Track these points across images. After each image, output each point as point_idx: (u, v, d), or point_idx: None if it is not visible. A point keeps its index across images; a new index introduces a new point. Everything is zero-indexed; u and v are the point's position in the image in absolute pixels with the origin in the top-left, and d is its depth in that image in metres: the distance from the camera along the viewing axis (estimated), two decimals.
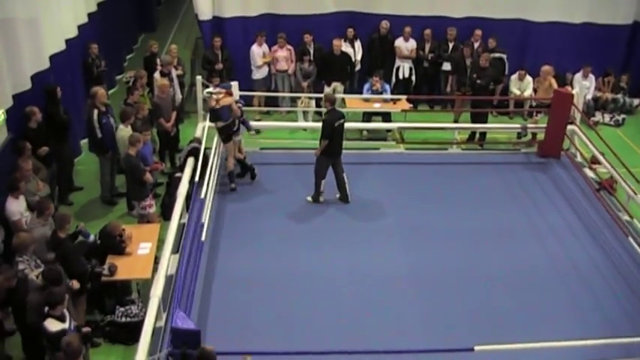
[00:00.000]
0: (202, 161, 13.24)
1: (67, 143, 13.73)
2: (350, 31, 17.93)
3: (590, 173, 14.98)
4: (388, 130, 17.05)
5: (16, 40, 12.61)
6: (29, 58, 13.13)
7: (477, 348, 8.75)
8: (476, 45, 17.86)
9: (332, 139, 13.18)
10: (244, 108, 14.31)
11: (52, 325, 8.38)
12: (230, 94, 13.72)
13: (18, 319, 9.43)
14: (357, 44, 18.09)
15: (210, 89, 13.66)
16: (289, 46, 17.68)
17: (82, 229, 10.83)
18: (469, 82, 16.78)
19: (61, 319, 8.48)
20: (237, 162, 14.24)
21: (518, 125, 16.78)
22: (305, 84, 17.43)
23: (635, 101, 19.18)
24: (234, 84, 14.69)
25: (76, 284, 9.77)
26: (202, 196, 12.18)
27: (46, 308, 8.51)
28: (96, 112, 13.26)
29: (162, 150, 15.15)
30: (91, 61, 16.00)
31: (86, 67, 15.98)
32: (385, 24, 18.07)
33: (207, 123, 14.20)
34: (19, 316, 9.34)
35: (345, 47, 17.76)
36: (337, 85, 17.48)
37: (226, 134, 13.57)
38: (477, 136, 16.82)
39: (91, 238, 10.81)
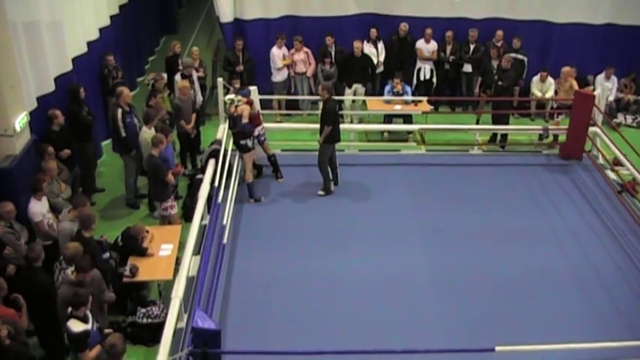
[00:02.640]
0: (223, 163, 13.29)
1: (91, 143, 13.85)
2: (373, 32, 17.92)
3: (612, 175, 14.88)
4: (409, 132, 17.04)
5: (40, 42, 12.72)
6: (53, 61, 13.25)
7: (497, 348, 8.72)
8: (498, 46, 17.81)
9: (334, 125, 13.58)
10: (263, 111, 14.40)
11: (75, 326, 8.44)
12: (249, 102, 13.75)
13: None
14: (380, 45, 18.07)
15: (232, 96, 13.67)
16: (306, 49, 17.71)
17: (103, 242, 10.67)
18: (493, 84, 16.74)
19: (84, 320, 8.54)
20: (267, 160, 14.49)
21: (540, 127, 16.72)
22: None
23: None
24: (254, 89, 14.72)
25: (112, 296, 9.92)
26: (223, 198, 12.20)
27: (69, 309, 8.59)
28: (120, 111, 13.37)
29: (183, 152, 15.23)
30: (107, 72, 15.80)
31: (102, 78, 15.84)
32: (404, 26, 18.04)
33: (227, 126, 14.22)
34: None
35: (368, 48, 17.80)
36: (358, 87, 17.51)
37: (238, 143, 13.58)
38: (499, 137, 16.77)
39: (106, 256, 10.72)
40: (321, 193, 14.01)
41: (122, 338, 8.33)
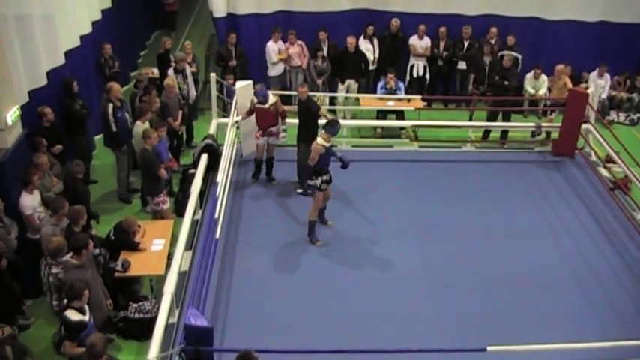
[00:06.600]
0: (216, 158, 13.24)
1: (84, 137, 13.81)
2: (370, 29, 17.89)
3: (604, 172, 14.90)
4: (402, 128, 17.02)
5: (32, 36, 12.62)
6: (45, 55, 13.15)
7: (489, 348, 8.71)
8: (492, 43, 17.78)
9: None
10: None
11: (73, 315, 8.43)
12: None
13: None
14: (376, 42, 18.06)
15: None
16: (300, 42, 17.68)
17: (94, 237, 10.64)
18: (488, 82, 16.69)
19: (82, 311, 8.52)
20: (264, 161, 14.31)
21: (533, 124, 16.73)
22: (319, 81, 17.41)
23: None
24: (248, 83, 14.59)
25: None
26: (216, 193, 12.17)
27: (65, 301, 8.56)
28: (111, 106, 13.31)
29: (174, 148, 15.10)
30: (104, 61, 15.85)
31: (99, 67, 15.89)
32: (396, 22, 18.04)
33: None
34: None
35: (365, 44, 17.79)
36: (351, 83, 17.51)
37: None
38: (492, 135, 16.73)
39: (95, 252, 10.63)
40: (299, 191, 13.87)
41: (104, 339, 8.10)
